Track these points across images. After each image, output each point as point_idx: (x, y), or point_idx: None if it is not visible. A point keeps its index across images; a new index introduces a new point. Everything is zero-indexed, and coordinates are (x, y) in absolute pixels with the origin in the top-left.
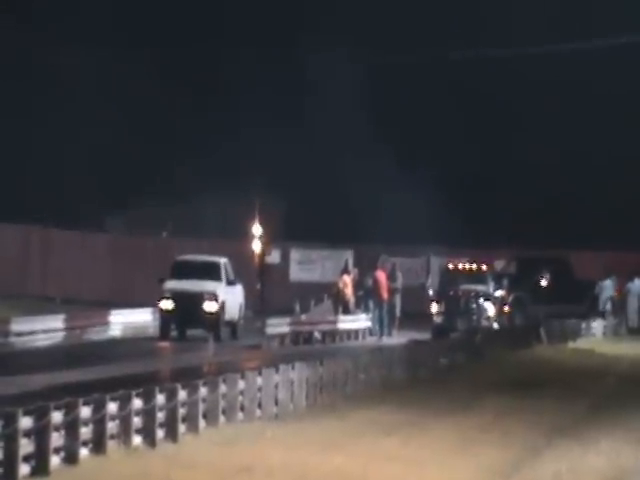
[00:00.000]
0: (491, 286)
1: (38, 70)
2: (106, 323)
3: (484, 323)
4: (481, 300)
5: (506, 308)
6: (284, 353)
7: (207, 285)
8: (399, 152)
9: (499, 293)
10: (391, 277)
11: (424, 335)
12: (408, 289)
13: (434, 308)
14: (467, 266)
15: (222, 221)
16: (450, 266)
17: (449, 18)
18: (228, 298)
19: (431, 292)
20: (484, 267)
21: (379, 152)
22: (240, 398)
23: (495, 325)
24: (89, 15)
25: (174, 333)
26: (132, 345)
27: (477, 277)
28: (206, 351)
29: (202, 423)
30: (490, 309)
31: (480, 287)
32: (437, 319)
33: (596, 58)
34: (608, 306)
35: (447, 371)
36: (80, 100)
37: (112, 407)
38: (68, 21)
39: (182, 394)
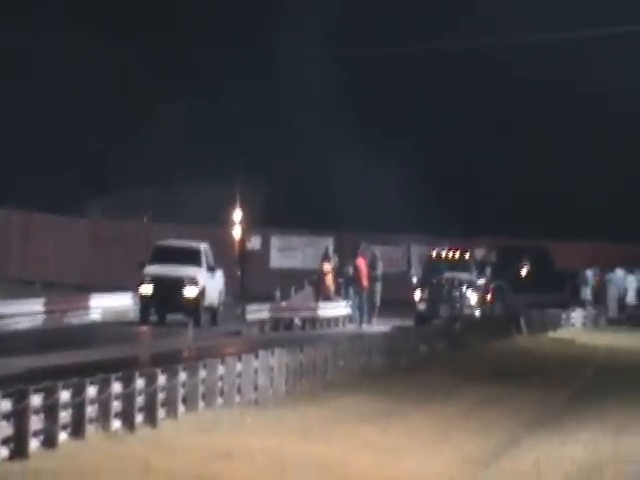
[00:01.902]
0: (474, 274)
1: (19, 57)
2: (86, 307)
3: (466, 311)
4: (464, 288)
5: (488, 296)
6: (264, 339)
7: (187, 270)
8: (381, 140)
9: (481, 281)
10: (372, 265)
11: (406, 322)
12: (389, 277)
13: (417, 295)
14: (450, 254)
15: (203, 207)
16: (433, 254)
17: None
18: (208, 284)
19: (414, 279)
20: (467, 255)
21: (360, 139)
22: (219, 383)
23: (477, 313)
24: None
25: (154, 318)
26: (112, 329)
27: (460, 265)
28: (186, 336)
29: (181, 408)
30: (472, 297)
31: (463, 275)
32: (420, 306)
33: (581, 52)
34: (588, 296)
35: (427, 359)
36: (61, 85)
37: (91, 391)
38: (54, 11)
39: (161, 379)
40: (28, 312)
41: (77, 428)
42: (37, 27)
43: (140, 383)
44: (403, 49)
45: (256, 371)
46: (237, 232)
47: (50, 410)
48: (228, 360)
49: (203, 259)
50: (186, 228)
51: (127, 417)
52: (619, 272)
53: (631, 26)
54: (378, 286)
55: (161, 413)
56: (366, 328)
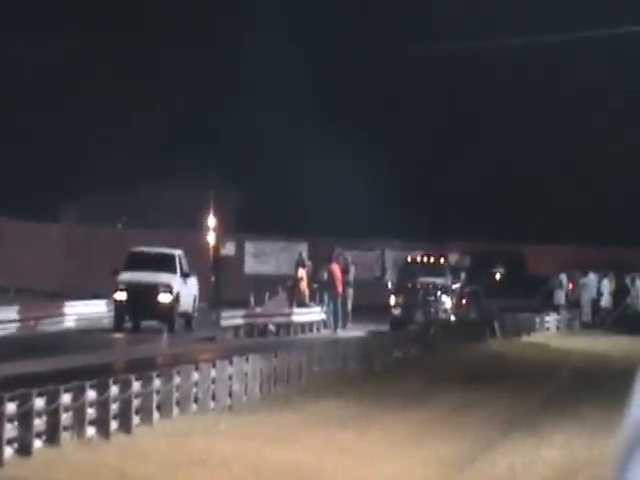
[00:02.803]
0: (449, 279)
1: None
2: (60, 314)
3: (441, 316)
4: (439, 293)
5: (463, 301)
6: (238, 345)
7: (161, 277)
8: (355, 145)
9: (456, 286)
10: (344, 270)
11: (381, 327)
12: (363, 282)
13: (392, 300)
14: (425, 259)
15: (177, 212)
16: (409, 258)
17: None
18: (182, 290)
19: (389, 284)
20: (442, 260)
21: (333, 144)
22: (194, 390)
23: (452, 318)
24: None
25: (128, 324)
26: (86, 336)
27: (435, 270)
28: (160, 342)
29: (156, 415)
30: (447, 302)
31: (438, 280)
32: (395, 311)
33: (552, 51)
34: (562, 300)
35: (402, 364)
36: (34, 87)
37: (66, 398)
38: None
39: (136, 385)
40: (2, 320)
41: (52, 435)
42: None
43: (114, 390)
44: (376, 49)
45: (230, 377)
46: (211, 238)
47: (25, 418)
48: (202, 366)
49: (177, 265)
50: (160, 234)
51: (102, 424)
52: (592, 276)
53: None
54: (350, 291)
55: (136, 420)
56: (341, 333)
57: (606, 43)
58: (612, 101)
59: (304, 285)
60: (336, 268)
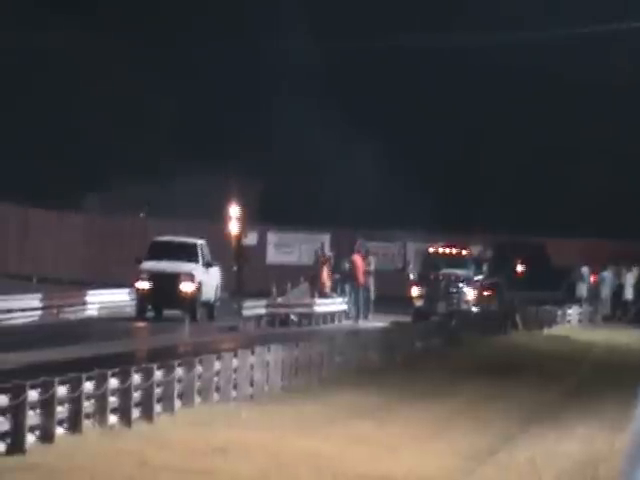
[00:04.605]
0: (471, 271)
1: (19, 49)
2: (83, 303)
3: (463, 307)
4: (461, 284)
5: (485, 293)
6: (260, 335)
7: (184, 266)
8: (380, 137)
9: (478, 278)
10: (365, 260)
11: (403, 319)
12: (385, 273)
13: (415, 292)
14: (448, 250)
15: (199, 202)
16: (431, 250)
17: None
18: (205, 279)
19: (412, 276)
20: (464, 252)
21: (358, 137)
22: (216, 379)
23: (474, 309)
24: None
25: (151, 313)
26: (109, 325)
27: (458, 261)
28: (182, 332)
29: (177, 403)
30: (469, 294)
31: (460, 271)
32: (418, 302)
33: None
34: (584, 293)
35: (423, 355)
36: (58, 79)
37: (88, 386)
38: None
39: (158, 374)
40: (25, 307)
41: (74, 423)
42: (33, 18)
43: (137, 378)
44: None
45: (252, 367)
46: (234, 228)
47: (47, 405)
48: (224, 356)
49: (200, 255)
50: (182, 224)
51: (124, 412)
52: (611, 270)
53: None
54: (371, 281)
55: (157, 408)
56: (362, 324)
57: None
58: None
59: (326, 275)
60: (358, 259)
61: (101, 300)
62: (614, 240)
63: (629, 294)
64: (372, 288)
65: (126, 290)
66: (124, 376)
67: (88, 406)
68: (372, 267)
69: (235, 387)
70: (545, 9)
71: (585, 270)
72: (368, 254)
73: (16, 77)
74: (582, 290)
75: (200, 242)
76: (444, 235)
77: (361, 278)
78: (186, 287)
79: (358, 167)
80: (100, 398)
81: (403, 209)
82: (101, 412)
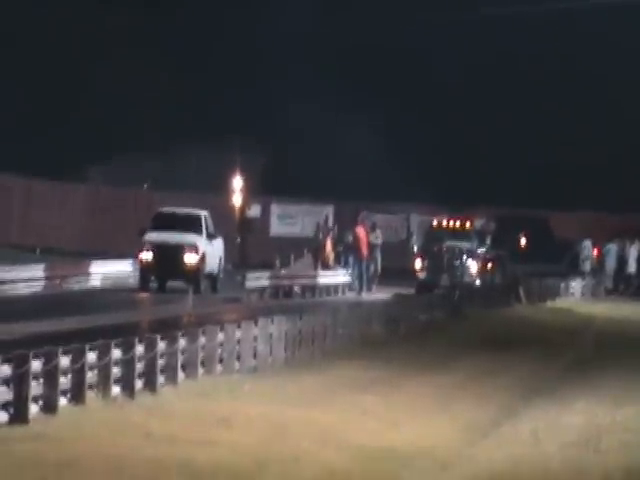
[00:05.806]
0: (474, 243)
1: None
2: (86, 273)
3: (467, 280)
4: (465, 257)
5: (488, 266)
6: (263, 307)
7: (187, 237)
8: (384, 109)
9: (482, 251)
10: (371, 233)
11: (406, 291)
12: (388, 246)
13: (418, 264)
14: (451, 223)
15: (203, 175)
16: (435, 223)
17: None
18: (208, 251)
19: (415, 248)
20: (468, 224)
21: (362, 108)
22: (219, 350)
23: (477, 282)
24: None
25: (154, 284)
26: (112, 296)
27: (461, 234)
28: (185, 303)
29: (181, 374)
30: (473, 266)
31: (464, 244)
32: (421, 275)
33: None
34: (587, 266)
35: (426, 328)
36: (67, 51)
37: (91, 357)
38: None
39: (161, 345)
40: (28, 278)
41: (77, 394)
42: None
43: (140, 349)
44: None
45: (255, 338)
46: (237, 200)
47: (50, 375)
48: (227, 327)
49: (203, 226)
50: (186, 196)
51: (127, 383)
52: (616, 243)
53: None
54: (378, 254)
55: (160, 379)
56: (366, 296)
57: None
58: None
59: (329, 247)
60: (361, 231)
61: (104, 271)
62: (617, 214)
63: (632, 267)
64: (379, 261)
65: (129, 261)
66: (127, 347)
67: (91, 377)
68: (379, 241)
69: (238, 359)
70: None
71: (588, 243)
72: (375, 227)
73: (22, 46)
74: (585, 263)
75: (204, 213)
76: (448, 207)
77: (364, 250)
78: (190, 258)
79: (361, 139)
80: (103, 369)
81: (407, 181)
82: (104, 383)
